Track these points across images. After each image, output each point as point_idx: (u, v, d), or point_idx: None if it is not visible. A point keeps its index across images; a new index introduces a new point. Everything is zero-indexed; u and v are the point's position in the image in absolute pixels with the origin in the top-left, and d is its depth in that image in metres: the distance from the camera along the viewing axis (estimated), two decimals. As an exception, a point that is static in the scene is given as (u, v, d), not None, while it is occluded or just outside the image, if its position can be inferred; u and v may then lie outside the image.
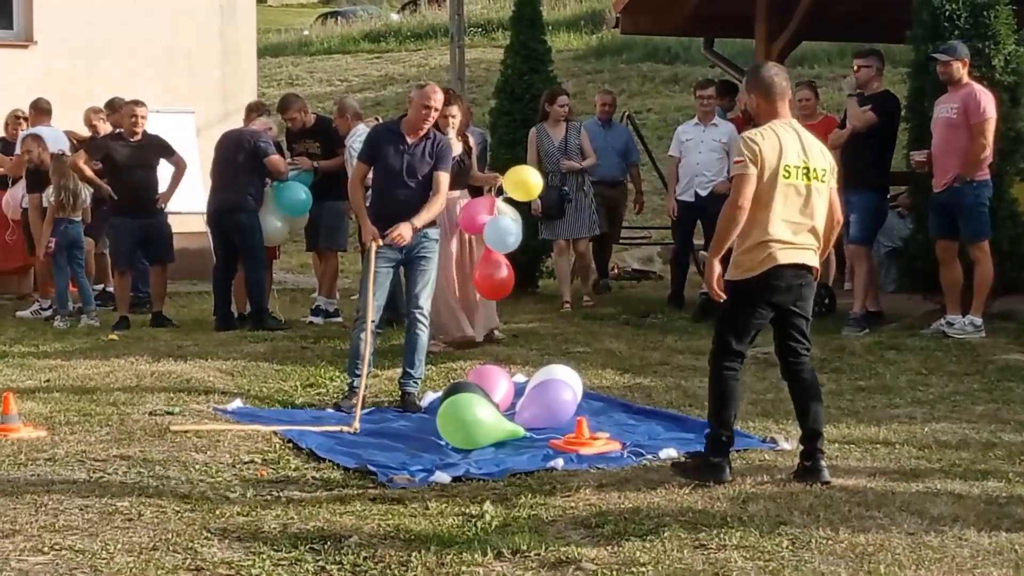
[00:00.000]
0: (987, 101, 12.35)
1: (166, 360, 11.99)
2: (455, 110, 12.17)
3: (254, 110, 15.29)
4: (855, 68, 13.87)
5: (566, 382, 9.65)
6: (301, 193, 14.27)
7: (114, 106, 15.81)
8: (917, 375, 11.12)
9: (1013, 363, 11.53)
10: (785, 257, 7.65)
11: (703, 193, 14.97)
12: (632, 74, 34.83)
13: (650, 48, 35.78)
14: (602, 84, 31.86)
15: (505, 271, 12.12)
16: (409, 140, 10.48)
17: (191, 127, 17.79)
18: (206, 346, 12.78)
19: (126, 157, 14.50)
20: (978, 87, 12.47)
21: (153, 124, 15.04)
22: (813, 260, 7.82)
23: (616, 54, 36.60)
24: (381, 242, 10.28)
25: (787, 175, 7.62)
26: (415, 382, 10.53)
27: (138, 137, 14.61)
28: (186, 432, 9.12)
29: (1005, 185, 13.08)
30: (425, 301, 10.54)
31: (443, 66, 34.36)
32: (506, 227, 11.99)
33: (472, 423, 8.81)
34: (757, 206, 7.62)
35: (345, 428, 9.42)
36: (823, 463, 7.70)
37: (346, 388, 10.54)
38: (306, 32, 48.48)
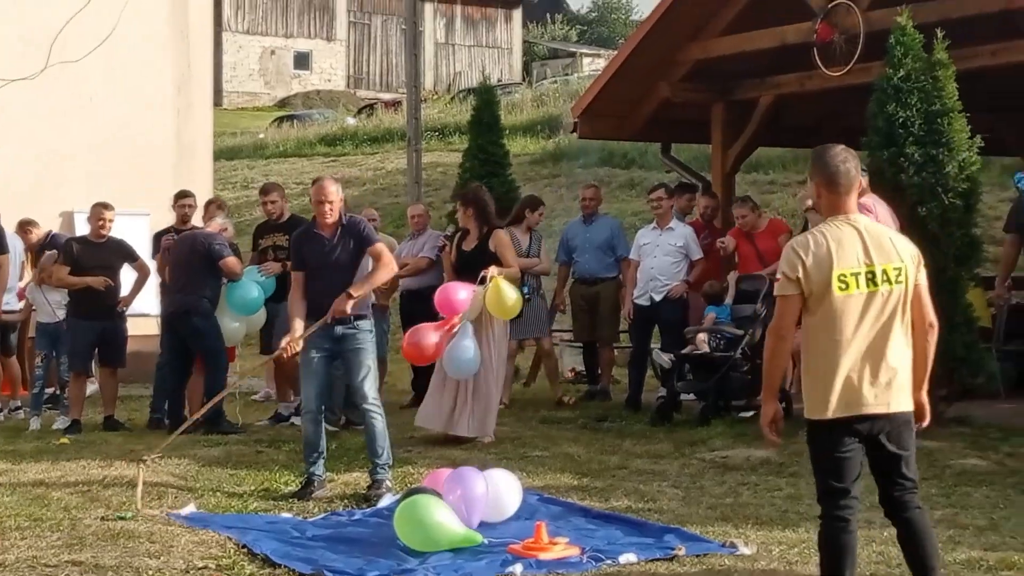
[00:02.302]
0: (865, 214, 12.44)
1: (118, 464, 11.85)
2: (468, 210, 13.48)
3: (213, 202, 15.39)
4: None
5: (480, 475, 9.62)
6: (253, 291, 14.23)
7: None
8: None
9: (970, 468, 11.53)
10: (861, 401, 6.53)
11: (658, 298, 15.11)
12: (588, 178, 34.80)
13: (606, 153, 35.95)
14: (558, 188, 32.00)
15: (433, 340, 12.28)
16: (326, 235, 10.77)
17: (145, 229, 17.73)
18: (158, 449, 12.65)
19: (89, 259, 14.47)
20: (866, 201, 12.60)
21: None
22: (901, 396, 6.60)
23: (573, 158, 36.76)
24: (296, 348, 10.60)
25: (843, 286, 6.51)
26: (383, 468, 10.62)
27: (103, 239, 14.60)
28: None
29: (960, 291, 13.14)
30: (371, 390, 10.72)
31: (400, 169, 34.43)
32: (463, 354, 12.41)
33: (431, 524, 8.73)
34: (813, 329, 6.62)
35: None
36: None
37: (303, 479, 10.75)
38: (262, 135, 48.61)
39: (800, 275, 6.55)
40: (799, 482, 11.00)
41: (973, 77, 13.96)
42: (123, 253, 14.80)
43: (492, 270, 12.82)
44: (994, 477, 11.23)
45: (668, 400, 14.57)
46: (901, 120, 13.24)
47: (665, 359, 14.71)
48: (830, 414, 6.57)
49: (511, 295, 12.84)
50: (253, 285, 14.22)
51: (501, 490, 9.63)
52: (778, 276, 6.68)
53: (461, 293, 12.59)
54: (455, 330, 12.53)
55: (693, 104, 18.14)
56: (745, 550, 8.62)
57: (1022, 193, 13.42)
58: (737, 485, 11.02)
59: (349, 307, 10.49)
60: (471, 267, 13.18)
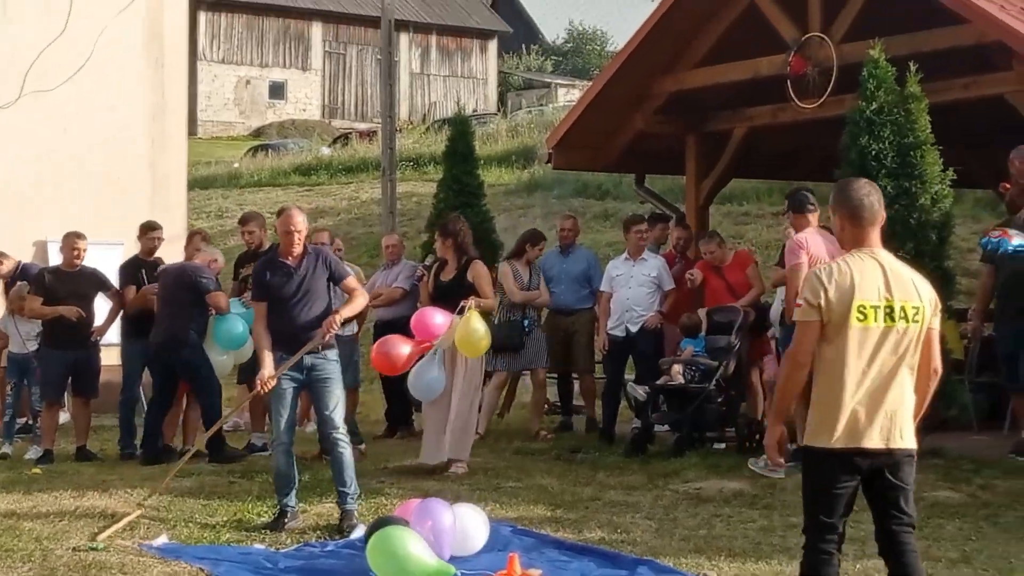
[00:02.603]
0: (792, 251, 12.54)
1: (90, 494, 11.81)
2: (447, 241, 13.59)
3: (197, 234, 15.37)
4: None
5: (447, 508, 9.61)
6: (239, 326, 14.19)
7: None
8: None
9: (943, 500, 11.55)
10: (864, 435, 6.51)
11: (634, 329, 15.13)
12: (563, 209, 34.88)
13: (581, 184, 36.00)
14: (534, 219, 32.03)
15: (404, 351, 12.40)
16: (292, 263, 10.80)
17: (119, 258, 17.68)
18: (131, 480, 12.61)
19: (62, 289, 14.45)
20: (799, 238, 12.67)
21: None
22: (905, 433, 6.64)
23: (548, 189, 36.80)
24: (271, 385, 10.64)
25: (862, 317, 6.51)
26: (351, 498, 10.61)
27: (76, 269, 14.58)
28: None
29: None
30: (339, 420, 10.75)
31: (374, 199, 34.45)
32: (428, 376, 12.64)
33: (403, 556, 8.70)
34: (827, 356, 6.58)
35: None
36: None
37: (276, 511, 10.76)
38: (236, 165, 48.55)
39: (822, 302, 6.52)
40: (772, 514, 11.02)
41: (946, 110, 14.03)
42: (96, 282, 14.78)
43: (471, 301, 12.85)
44: (967, 509, 11.26)
45: (642, 432, 14.57)
46: (874, 153, 13.30)
47: (640, 391, 14.72)
48: (834, 443, 6.53)
49: (480, 331, 12.80)
50: (238, 320, 14.17)
51: (468, 525, 9.61)
52: (799, 302, 6.64)
53: (437, 318, 12.64)
54: (427, 352, 12.57)
55: (667, 136, 18.21)
56: (718, 582, 8.63)
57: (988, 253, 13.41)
58: (710, 517, 11.02)
59: (336, 326, 10.58)
60: (448, 297, 13.20)
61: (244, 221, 15.14)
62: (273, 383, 10.73)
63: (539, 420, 16.38)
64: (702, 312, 15.32)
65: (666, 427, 14.93)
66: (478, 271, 13.54)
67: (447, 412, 13.11)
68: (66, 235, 14.89)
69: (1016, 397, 13.97)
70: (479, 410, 14.02)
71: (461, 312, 12.77)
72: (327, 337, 10.58)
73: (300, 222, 10.86)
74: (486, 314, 13.22)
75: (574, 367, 16.72)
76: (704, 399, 14.23)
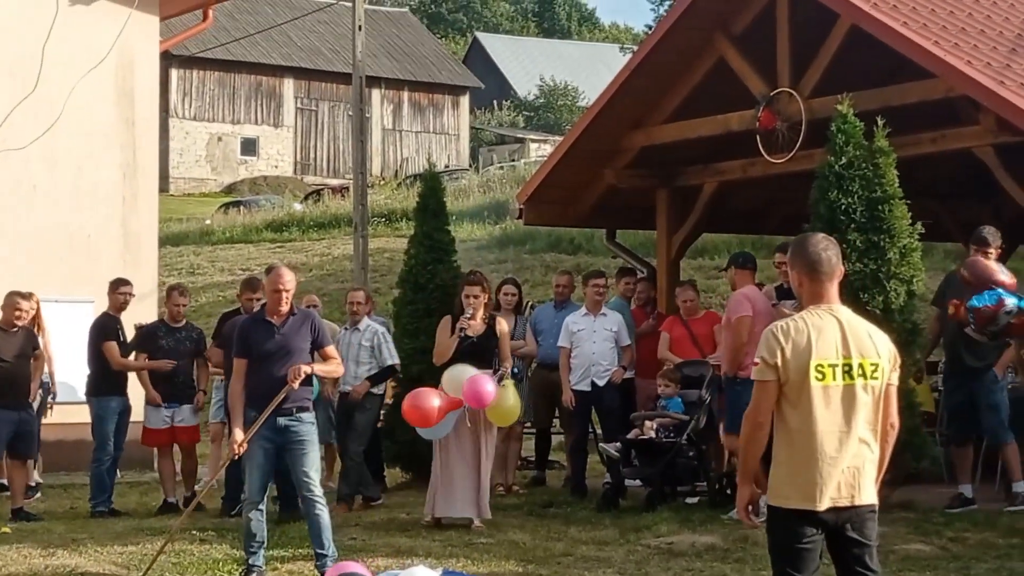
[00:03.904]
0: (744, 302, 13.13)
1: (60, 553, 11.75)
2: (477, 289, 13.40)
3: (175, 289, 15.52)
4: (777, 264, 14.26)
5: None
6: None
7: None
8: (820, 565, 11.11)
9: (914, 553, 11.56)
10: (828, 493, 6.45)
11: (601, 383, 15.13)
12: (535, 264, 35.07)
13: (553, 238, 36.07)
14: (505, 274, 32.03)
15: (435, 404, 12.64)
16: (276, 322, 10.81)
17: (89, 316, 17.63)
18: (101, 539, 12.56)
19: (9, 348, 14.40)
20: (742, 292, 13.10)
21: (52, 313, 15.00)
22: (867, 488, 6.57)
23: (520, 244, 36.86)
24: (243, 449, 10.68)
25: (820, 376, 6.45)
26: (330, 560, 10.56)
27: (15, 329, 14.56)
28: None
29: (903, 376, 13.21)
30: (316, 482, 10.78)
31: (346, 255, 34.44)
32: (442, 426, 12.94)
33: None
34: (787, 416, 6.54)
35: None
36: None
37: (243, 570, 10.80)
38: (208, 221, 48.50)
39: (779, 361, 6.48)
40: (744, 568, 11.02)
41: (914, 163, 14.12)
42: (32, 339, 14.77)
43: (504, 370, 13.38)
44: (937, 562, 11.28)
45: (614, 487, 14.56)
46: (843, 207, 13.37)
47: (611, 448, 14.70)
48: (797, 503, 6.51)
49: (514, 405, 13.41)
50: None
51: None
52: (756, 360, 6.57)
53: (489, 386, 12.81)
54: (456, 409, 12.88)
55: (638, 190, 18.26)
56: (690, 637, 8.61)
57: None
58: (683, 571, 11.02)
59: (303, 374, 10.53)
60: (477, 353, 13.31)
61: (254, 288, 14.66)
62: (245, 447, 10.74)
63: (513, 474, 16.36)
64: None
65: (638, 482, 14.93)
66: (503, 327, 13.66)
67: (461, 469, 13.12)
68: (9, 294, 14.78)
69: (956, 450, 14.10)
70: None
71: (501, 379, 13.10)
72: (295, 384, 10.53)
73: (288, 281, 10.89)
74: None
75: (561, 422, 16.77)
76: (676, 453, 14.25)
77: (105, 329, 15.12)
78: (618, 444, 14.63)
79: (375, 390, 14.89)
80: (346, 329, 15.26)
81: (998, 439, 13.71)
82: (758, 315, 12.97)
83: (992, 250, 13.34)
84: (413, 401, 12.75)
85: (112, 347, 14.77)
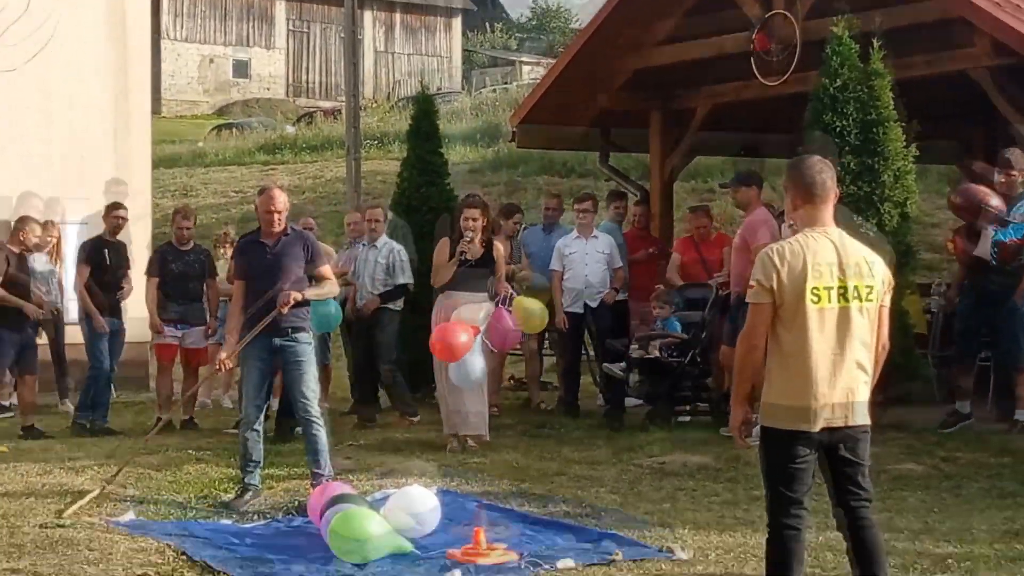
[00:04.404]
0: (764, 229, 12.78)
1: (57, 472, 11.82)
2: (476, 212, 13.24)
3: (179, 212, 15.68)
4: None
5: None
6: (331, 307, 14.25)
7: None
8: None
9: (906, 472, 11.66)
10: (822, 413, 6.51)
11: (593, 304, 15.18)
12: (528, 187, 34.99)
13: (546, 161, 35.97)
14: (498, 197, 32.02)
15: (463, 340, 12.61)
16: (269, 243, 10.84)
17: (83, 237, 17.65)
18: (97, 457, 12.62)
19: (18, 270, 14.52)
20: (761, 214, 13.04)
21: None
22: (860, 409, 6.62)
23: (512, 167, 36.77)
24: (228, 365, 11.06)
25: (816, 299, 6.49)
26: (325, 479, 10.57)
27: (28, 252, 14.74)
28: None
29: (896, 297, 13.25)
30: (314, 402, 10.79)
31: (339, 178, 34.37)
32: (474, 368, 12.94)
33: (361, 536, 8.72)
34: (783, 338, 6.56)
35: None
36: None
37: (239, 488, 10.84)
38: (200, 144, 48.32)
39: (774, 284, 6.51)
40: (736, 487, 11.10)
41: (909, 86, 14.09)
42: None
43: (506, 288, 13.37)
44: (929, 481, 11.37)
45: (619, 406, 14.63)
46: (838, 129, 13.37)
47: (616, 368, 14.77)
48: (790, 424, 6.55)
49: (537, 309, 13.53)
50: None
51: (416, 505, 9.58)
52: (752, 283, 6.61)
53: (461, 336, 12.71)
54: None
55: (632, 113, 18.23)
56: (682, 555, 8.69)
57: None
58: (675, 490, 11.09)
59: (292, 300, 10.53)
60: (476, 275, 13.32)
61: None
62: (231, 362, 10.89)
63: (538, 390, 16.45)
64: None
65: (637, 402, 15.00)
66: (500, 250, 13.66)
67: (460, 390, 13.19)
68: (20, 218, 14.93)
69: (959, 369, 14.08)
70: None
71: (503, 302, 13.13)
72: (284, 310, 10.56)
73: (281, 202, 10.90)
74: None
75: (551, 344, 16.82)
76: (681, 373, 14.34)
77: (84, 251, 15.28)
78: (623, 364, 14.70)
79: (393, 306, 14.90)
80: (363, 245, 15.33)
81: (1017, 363, 13.63)
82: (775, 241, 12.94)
83: (1016, 172, 13.35)
84: (441, 336, 12.74)
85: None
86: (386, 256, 14.99)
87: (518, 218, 16.25)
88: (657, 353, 14.55)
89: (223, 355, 10.95)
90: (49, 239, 16.21)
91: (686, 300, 14.98)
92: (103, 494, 10.69)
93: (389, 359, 14.77)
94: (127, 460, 11.76)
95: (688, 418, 14.48)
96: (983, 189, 13.29)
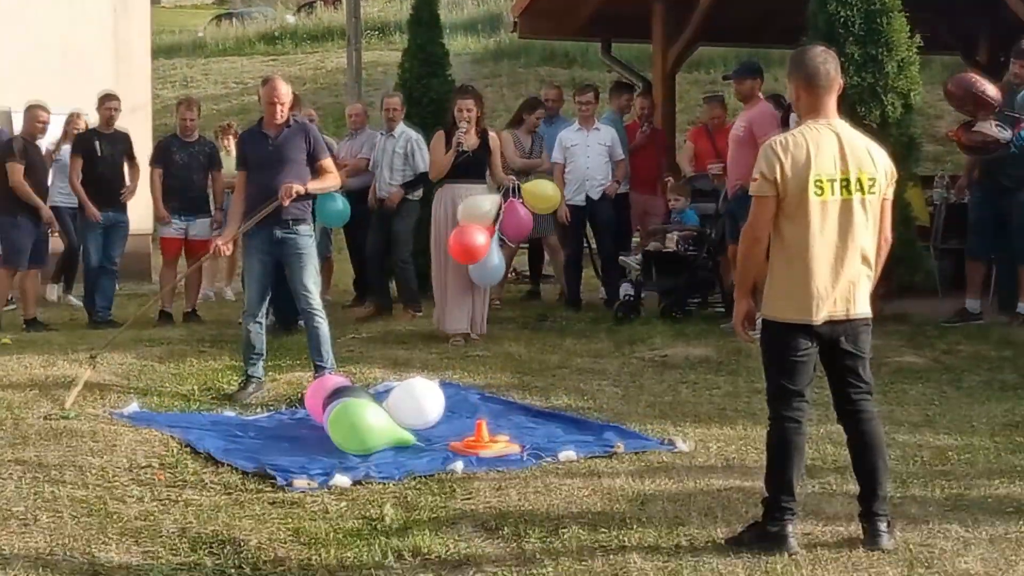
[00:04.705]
0: (773, 123, 12.68)
1: (61, 363, 11.85)
2: (470, 102, 13.20)
3: (183, 103, 15.54)
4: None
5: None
6: (339, 203, 14.27)
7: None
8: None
9: (907, 365, 11.68)
10: (824, 306, 6.49)
11: (595, 197, 15.14)
12: (530, 78, 34.86)
13: (548, 52, 35.83)
14: (500, 88, 31.95)
15: (481, 242, 12.64)
16: (271, 134, 10.82)
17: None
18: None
19: (36, 160, 14.52)
20: (768, 106, 12.97)
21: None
22: (862, 301, 6.61)
23: (514, 58, 36.62)
24: (223, 251, 11.04)
25: (819, 191, 6.43)
26: (328, 371, 10.63)
27: (40, 140, 14.67)
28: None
29: (899, 189, 13.22)
30: (315, 294, 10.83)
31: (340, 68, 34.20)
32: (495, 266, 13.09)
33: (362, 428, 8.76)
34: (785, 231, 6.51)
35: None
36: (882, 527, 6.56)
37: (242, 380, 10.92)
38: (200, 33, 48.05)
39: (778, 176, 6.43)
40: (737, 380, 11.13)
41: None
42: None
43: (511, 178, 13.47)
44: (930, 374, 11.40)
45: (636, 299, 14.65)
46: (841, 19, 13.24)
47: (632, 261, 14.80)
48: (793, 317, 6.53)
49: (549, 189, 13.77)
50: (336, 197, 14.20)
51: (419, 397, 9.61)
52: (755, 176, 6.52)
53: (479, 238, 12.70)
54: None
55: (634, 2, 18.08)
56: (683, 447, 8.73)
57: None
58: (676, 383, 11.13)
59: (294, 192, 10.49)
60: (473, 166, 13.30)
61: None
62: (227, 250, 11.01)
63: (562, 279, 16.50)
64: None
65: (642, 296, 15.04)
66: (496, 140, 13.67)
67: (468, 284, 13.17)
68: (29, 107, 14.85)
69: (970, 263, 14.03)
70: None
71: (507, 195, 13.09)
72: (285, 202, 10.53)
73: (284, 93, 10.85)
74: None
75: (547, 238, 16.79)
76: (698, 266, 14.33)
77: (76, 143, 15.29)
78: (639, 256, 14.71)
79: (412, 196, 14.87)
80: (382, 135, 15.29)
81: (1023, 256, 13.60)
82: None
83: None
84: (459, 239, 12.71)
85: (13, 168, 14.70)
86: (403, 145, 14.92)
87: (540, 113, 16.09)
88: (675, 246, 14.53)
89: (220, 240, 10.98)
90: (75, 130, 16.16)
91: (697, 190, 14.93)
92: (89, 376, 10.72)
93: (405, 250, 14.71)
94: (111, 339, 11.83)
95: (690, 311, 14.49)
96: (978, 78, 13.19)
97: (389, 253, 14.92)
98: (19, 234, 14.51)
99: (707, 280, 14.74)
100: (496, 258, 13.05)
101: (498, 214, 12.95)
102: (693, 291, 14.68)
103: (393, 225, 14.78)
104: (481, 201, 12.98)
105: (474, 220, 12.81)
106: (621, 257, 15.20)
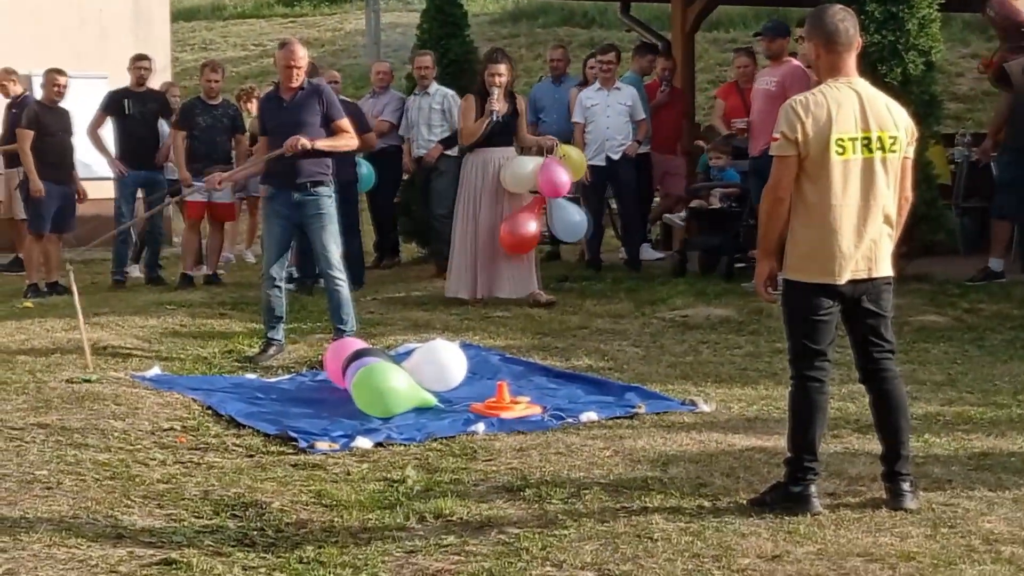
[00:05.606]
0: (804, 80, 12.60)
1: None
2: (502, 68, 13.13)
3: (207, 65, 15.55)
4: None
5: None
6: (363, 168, 14.28)
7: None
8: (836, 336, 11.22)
9: (929, 324, 11.67)
10: (847, 266, 6.45)
11: (615, 157, 15.09)
12: (548, 38, 34.63)
13: (567, 12, 35.67)
14: (518, 49, 31.80)
15: (533, 229, 12.84)
16: (286, 98, 10.83)
17: (103, 92, 17.59)
18: (123, 313, 12.68)
19: (54, 124, 14.49)
20: (800, 65, 12.94)
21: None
22: (884, 261, 6.57)
23: (532, 18, 36.45)
24: (213, 184, 11.41)
25: (841, 150, 6.38)
26: (348, 333, 10.64)
27: (60, 104, 14.67)
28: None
29: (920, 148, 13.18)
30: (335, 257, 10.81)
31: (359, 30, 34.16)
32: (579, 221, 13.57)
33: (388, 392, 8.76)
34: (807, 191, 6.46)
35: None
36: (906, 487, 6.55)
37: (262, 343, 10.93)
38: (220, -5, 47.94)
39: (799, 136, 6.39)
40: (758, 340, 11.13)
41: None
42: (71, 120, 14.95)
43: (548, 139, 13.34)
44: (952, 333, 11.39)
45: (682, 257, 14.77)
46: (862, -24, 13.17)
47: (676, 219, 14.81)
48: (815, 277, 6.50)
49: (576, 154, 13.84)
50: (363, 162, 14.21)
51: (441, 359, 9.61)
52: (776, 135, 6.48)
53: (531, 226, 12.87)
54: (545, 207, 13.18)
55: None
56: (705, 407, 8.73)
57: None
58: (697, 344, 11.12)
59: (299, 145, 10.44)
60: (504, 132, 13.26)
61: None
62: (220, 184, 11.55)
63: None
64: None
65: (658, 255, 15.01)
66: (523, 106, 13.64)
67: (473, 248, 13.14)
68: (47, 71, 14.85)
69: (997, 223, 13.98)
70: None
71: (549, 152, 13.09)
72: (287, 153, 10.48)
73: (301, 57, 10.83)
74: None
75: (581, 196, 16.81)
76: (742, 223, 14.32)
77: (107, 100, 15.35)
78: (683, 214, 14.72)
79: (451, 152, 14.81)
80: (416, 94, 15.28)
81: None
82: None
83: None
84: (512, 229, 12.72)
85: (21, 134, 14.74)
86: (440, 101, 14.90)
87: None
88: (718, 204, 14.53)
89: (218, 176, 11.28)
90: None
91: (737, 148, 14.86)
92: (114, 344, 10.76)
93: (444, 204, 14.60)
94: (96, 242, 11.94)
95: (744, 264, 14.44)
96: (1020, 6, 13.13)
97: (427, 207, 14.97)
98: (41, 199, 14.52)
99: (751, 237, 14.71)
100: (576, 214, 13.41)
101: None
102: (739, 249, 14.60)
103: (432, 180, 14.77)
104: (525, 162, 12.98)
105: (519, 181, 12.82)
106: (665, 216, 15.24)
